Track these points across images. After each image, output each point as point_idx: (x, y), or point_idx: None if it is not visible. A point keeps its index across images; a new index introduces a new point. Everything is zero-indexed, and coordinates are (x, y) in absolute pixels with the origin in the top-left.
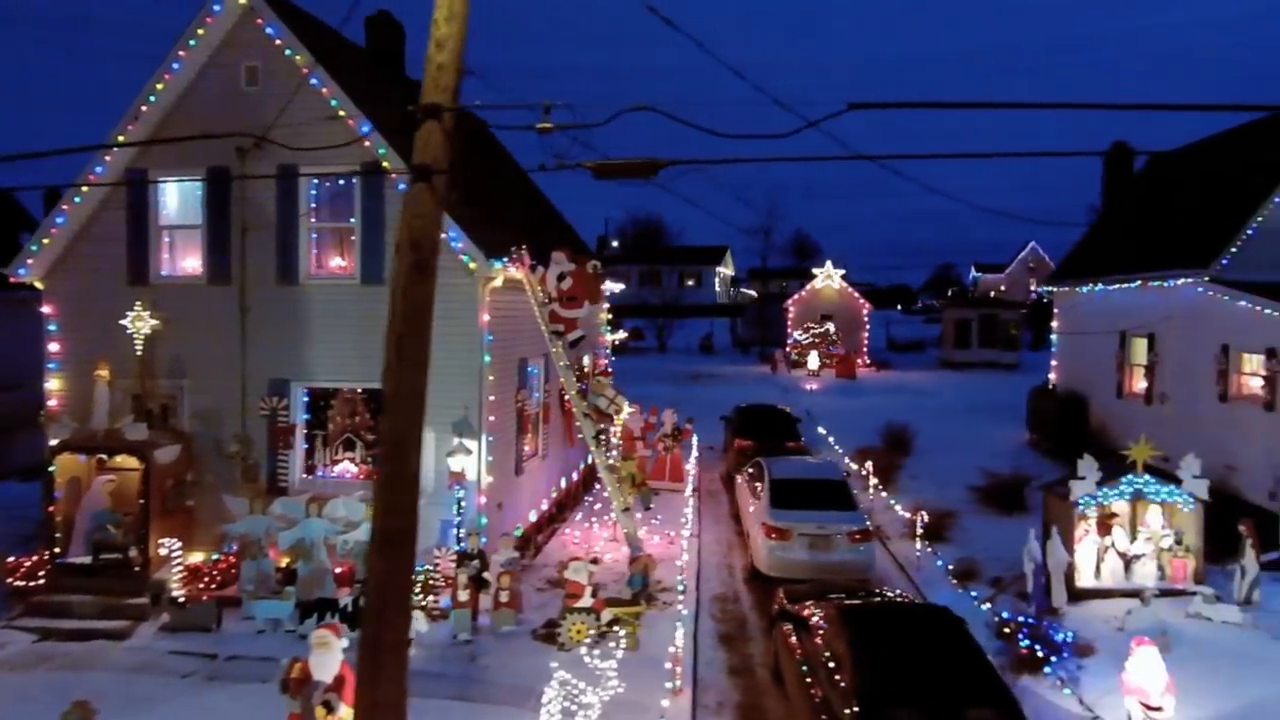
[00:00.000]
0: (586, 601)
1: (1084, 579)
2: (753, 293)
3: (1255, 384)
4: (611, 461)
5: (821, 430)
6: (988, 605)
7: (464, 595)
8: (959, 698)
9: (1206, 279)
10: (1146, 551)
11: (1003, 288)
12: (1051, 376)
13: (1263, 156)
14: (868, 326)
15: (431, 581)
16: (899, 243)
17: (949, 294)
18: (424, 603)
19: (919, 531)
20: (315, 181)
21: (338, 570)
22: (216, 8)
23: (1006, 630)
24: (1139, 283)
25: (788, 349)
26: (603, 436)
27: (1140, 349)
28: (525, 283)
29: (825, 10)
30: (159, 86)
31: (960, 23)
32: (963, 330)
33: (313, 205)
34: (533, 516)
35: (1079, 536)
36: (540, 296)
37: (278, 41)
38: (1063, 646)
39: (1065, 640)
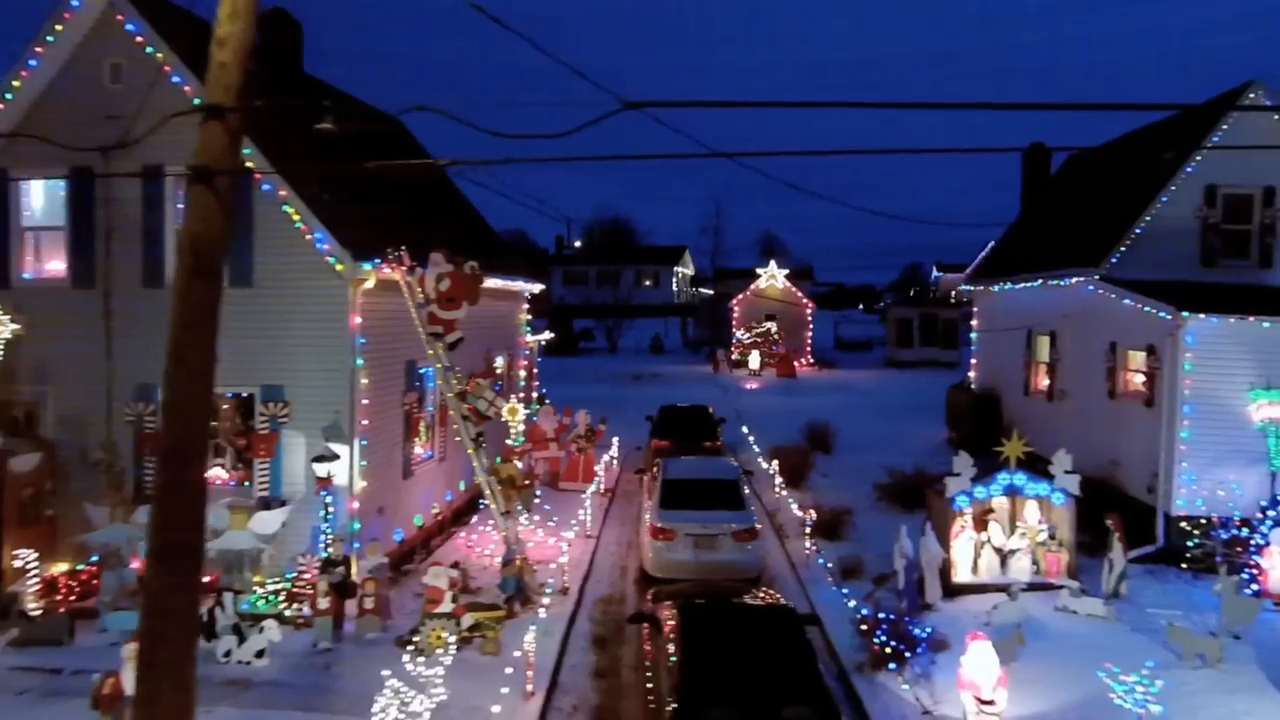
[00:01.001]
0: (447, 607)
1: (961, 574)
2: (711, 292)
3: (1138, 381)
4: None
5: (745, 429)
6: (854, 603)
7: (325, 603)
8: (778, 697)
9: (1097, 277)
10: (1021, 546)
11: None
12: (971, 374)
13: (1159, 156)
14: (811, 326)
15: (297, 590)
16: (877, 243)
17: (910, 293)
18: (288, 611)
19: (807, 530)
20: (179, 181)
21: (205, 579)
22: (75, 3)
23: (864, 627)
24: (1040, 282)
25: (731, 349)
26: (482, 438)
27: (1044, 347)
28: (402, 284)
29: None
30: (15, 84)
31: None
32: (905, 329)
33: (179, 206)
34: (418, 521)
35: (955, 532)
36: (420, 298)
37: (139, 39)
38: (920, 642)
39: (923, 636)
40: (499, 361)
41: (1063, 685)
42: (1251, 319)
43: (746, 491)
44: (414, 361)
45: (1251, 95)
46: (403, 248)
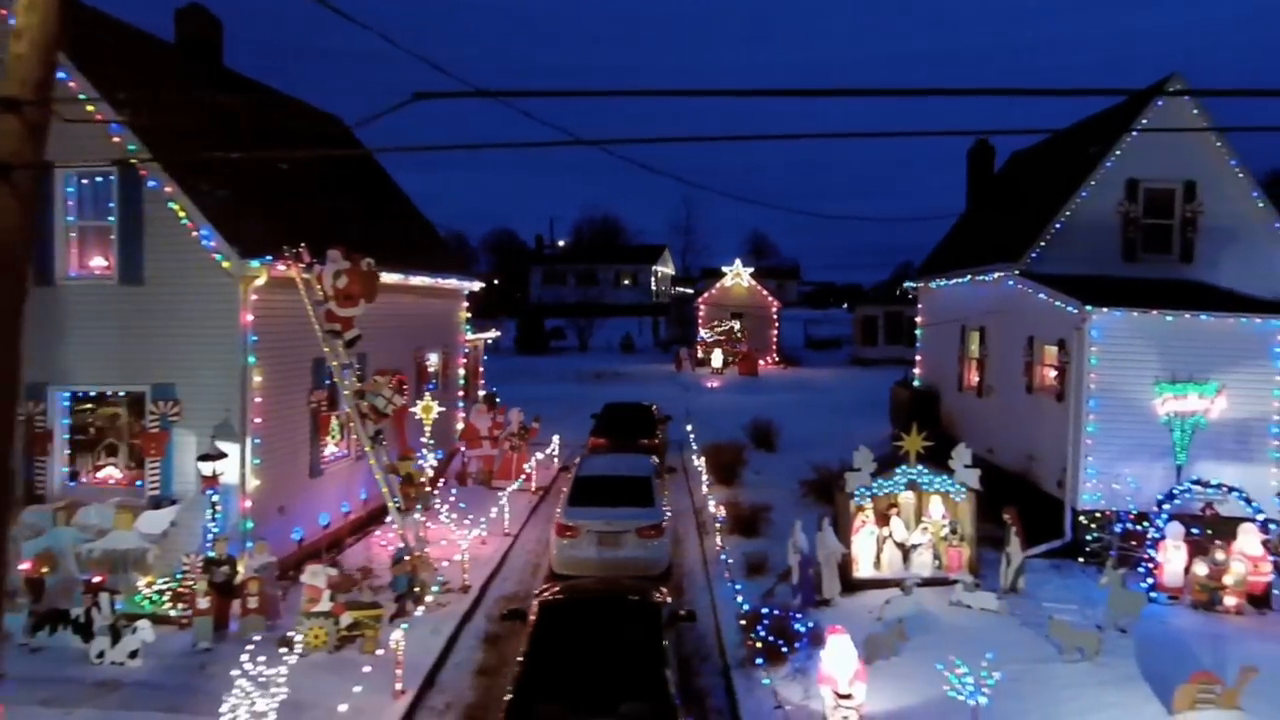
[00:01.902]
0: (325, 605)
1: (862, 570)
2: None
3: (1051, 375)
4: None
5: (689, 427)
6: (741, 598)
7: (205, 603)
8: (615, 692)
9: (1017, 272)
10: (923, 541)
11: None
12: (916, 371)
13: (1085, 151)
14: (777, 324)
15: (183, 589)
16: (872, 242)
17: (896, 292)
18: (173, 611)
19: (718, 526)
20: (73, 177)
21: (96, 579)
22: None
23: (743, 623)
24: (969, 278)
25: (695, 347)
26: (381, 436)
27: (974, 343)
28: (298, 282)
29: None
30: None
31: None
32: (870, 328)
33: (70, 202)
34: (324, 520)
35: (856, 527)
36: (318, 295)
37: None
38: (801, 638)
39: (804, 632)
40: (432, 359)
41: (939, 679)
42: (1155, 313)
43: (660, 489)
44: (323, 359)
45: (1171, 90)
46: (302, 245)
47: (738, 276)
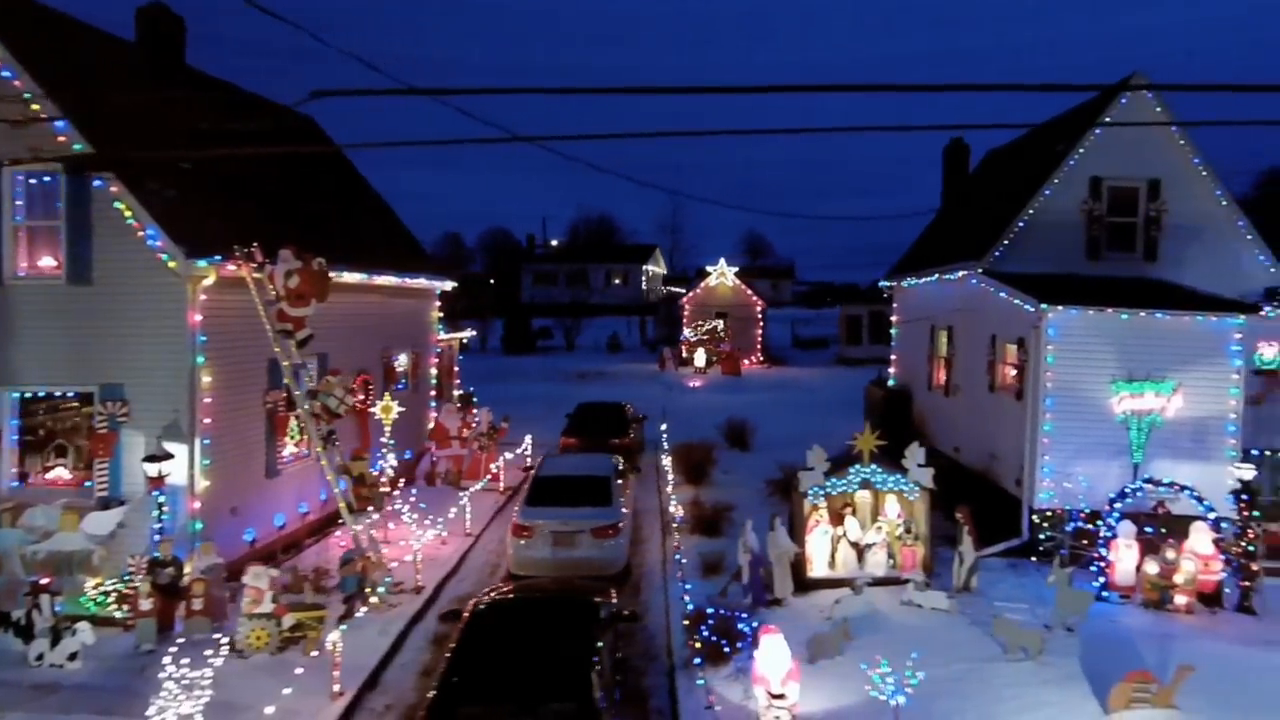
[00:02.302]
0: (267, 607)
1: (816, 569)
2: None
3: (1011, 374)
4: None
5: (663, 427)
6: (687, 598)
7: (148, 604)
8: (537, 693)
9: (980, 271)
10: (877, 540)
11: None
12: (891, 370)
13: (1053, 149)
14: (761, 323)
15: (129, 591)
16: (872, 242)
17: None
18: (118, 613)
19: (675, 526)
20: (20, 177)
21: (42, 581)
22: None
23: (686, 622)
24: (936, 276)
25: (679, 346)
26: (334, 436)
27: (943, 342)
28: (249, 281)
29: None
30: None
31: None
32: (855, 327)
33: (18, 201)
34: (279, 521)
35: (810, 526)
36: (270, 295)
37: None
38: (745, 637)
39: (748, 631)
40: (401, 359)
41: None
42: (1110, 311)
43: (619, 488)
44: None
45: (1134, 85)
46: (255, 244)
47: (722, 276)
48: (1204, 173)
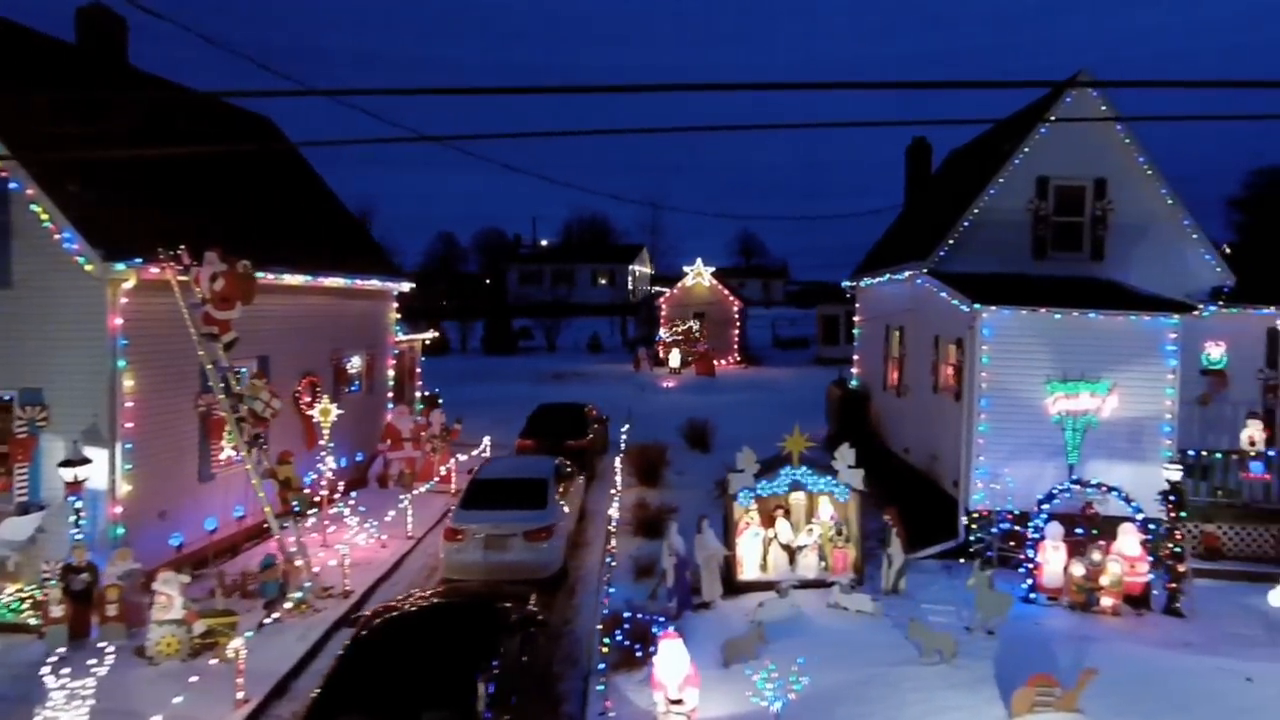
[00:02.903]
0: (177, 613)
1: (747, 572)
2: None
3: (950, 374)
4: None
5: (625, 428)
6: (607, 602)
7: (59, 610)
8: (418, 701)
9: (925, 271)
10: (809, 543)
11: None
12: (854, 370)
13: (1001, 148)
14: (738, 323)
15: (42, 597)
16: (868, 241)
17: None
18: (33, 619)
19: (610, 529)
20: None
21: None
22: None
23: (599, 628)
24: (886, 277)
25: (655, 347)
26: (261, 440)
27: (895, 342)
28: (173, 284)
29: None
30: None
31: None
32: (831, 326)
33: None
34: (210, 525)
35: (740, 529)
36: (196, 297)
37: None
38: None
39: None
40: (354, 361)
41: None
42: (1043, 311)
43: (559, 491)
44: (215, 362)
45: (1076, 89)
46: (182, 247)
47: (699, 276)
48: (1149, 171)
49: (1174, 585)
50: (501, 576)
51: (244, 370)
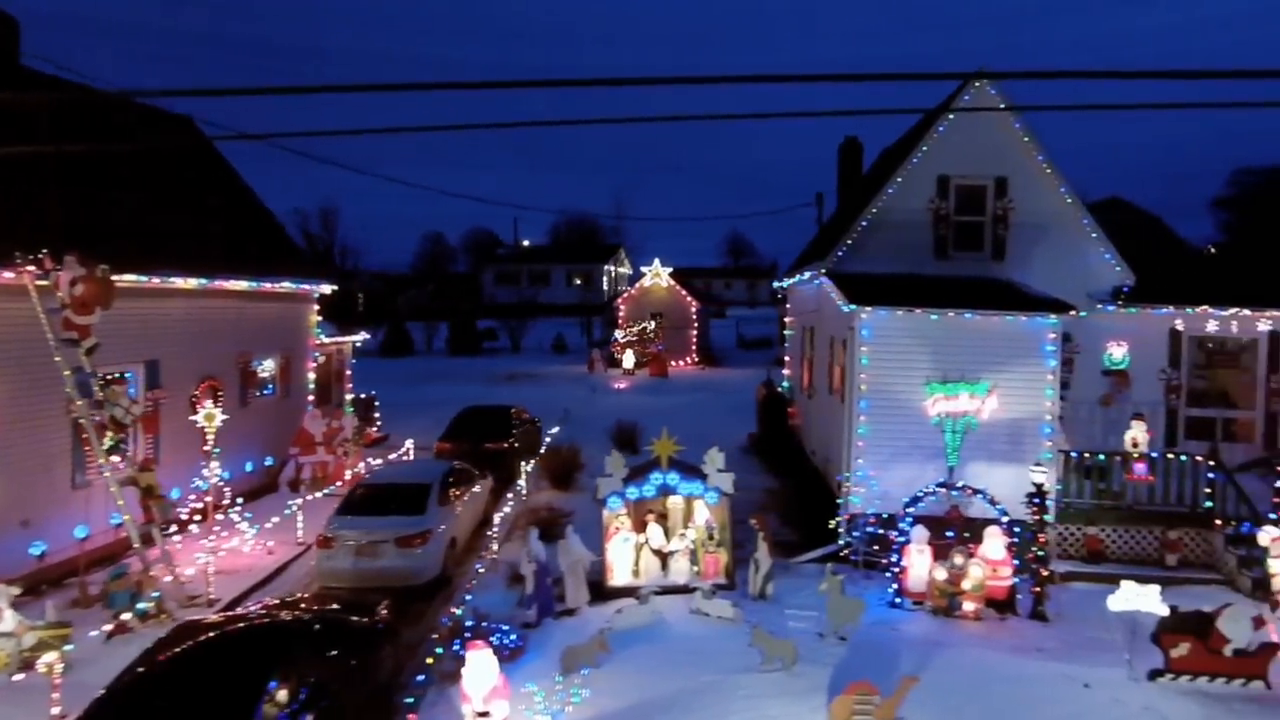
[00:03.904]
0: (8, 625)
1: (618, 577)
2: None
3: (840, 375)
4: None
5: (554, 430)
6: (458, 610)
7: None
8: None
9: (823, 271)
10: (680, 548)
11: None
12: (785, 371)
13: (911, 147)
14: (696, 324)
15: None
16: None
17: None
18: None
19: (491, 533)
20: None
21: None
22: None
23: (434, 636)
24: (800, 277)
25: (610, 348)
26: (122, 445)
27: (809, 343)
28: (30, 289)
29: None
30: None
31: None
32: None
33: None
34: (80, 533)
35: (610, 534)
36: (56, 302)
37: None
38: (502, 650)
39: (511, 644)
40: (266, 364)
41: (629, 691)
42: (919, 311)
43: (442, 496)
44: (80, 367)
45: (977, 84)
46: (44, 251)
47: (657, 277)
48: (1048, 170)
49: (1038, 589)
50: (373, 584)
51: (130, 374)
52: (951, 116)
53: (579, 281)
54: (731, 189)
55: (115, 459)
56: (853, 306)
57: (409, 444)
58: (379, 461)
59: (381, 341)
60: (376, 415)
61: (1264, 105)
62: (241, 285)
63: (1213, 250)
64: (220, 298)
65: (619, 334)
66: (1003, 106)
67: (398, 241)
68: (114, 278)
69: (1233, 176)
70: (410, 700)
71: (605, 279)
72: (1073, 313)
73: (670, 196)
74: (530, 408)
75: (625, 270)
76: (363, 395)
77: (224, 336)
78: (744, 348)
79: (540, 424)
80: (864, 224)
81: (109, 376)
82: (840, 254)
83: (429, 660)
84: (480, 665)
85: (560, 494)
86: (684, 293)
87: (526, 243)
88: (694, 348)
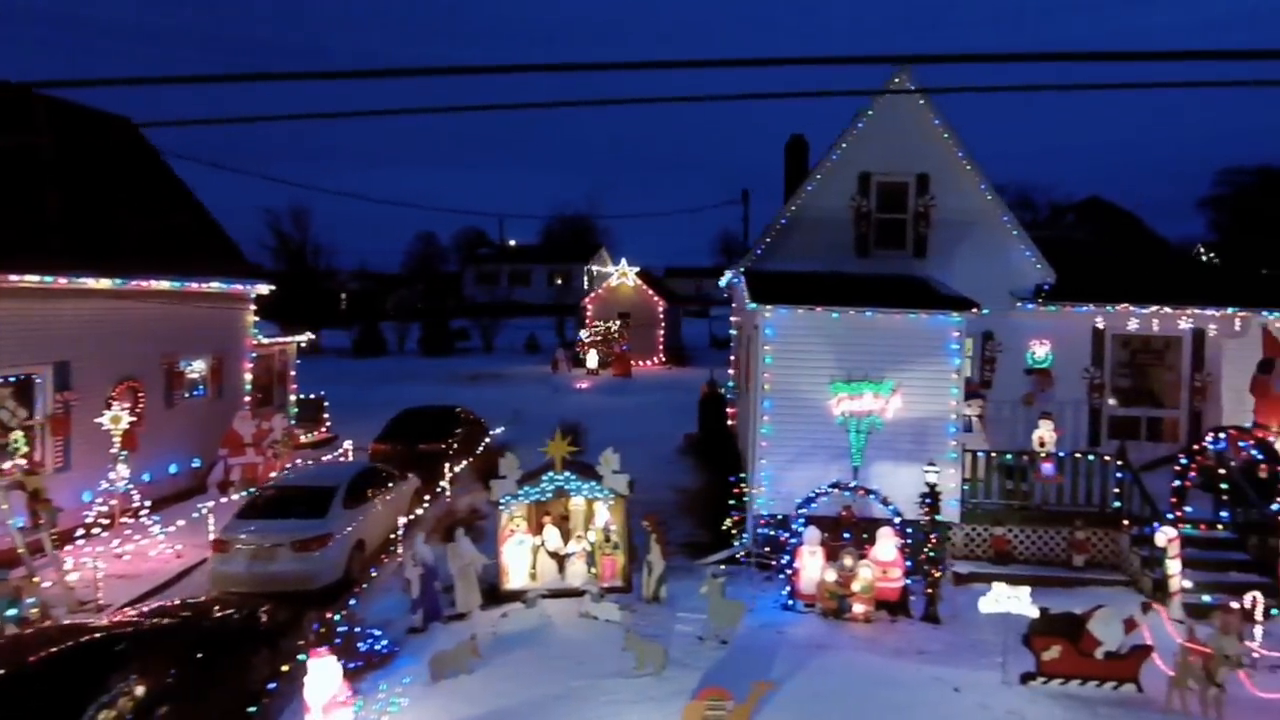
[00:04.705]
0: None
1: (514, 580)
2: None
3: (751, 375)
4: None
5: (497, 430)
6: (341, 614)
7: None
8: None
9: (742, 270)
10: (576, 550)
11: None
12: (731, 371)
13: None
14: (663, 324)
15: None
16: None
17: None
18: None
19: (394, 535)
20: None
21: None
22: None
23: (302, 642)
24: (727, 276)
25: (575, 348)
26: (15, 449)
27: (742, 344)
28: None
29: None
30: None
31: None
32: None
33: None
34: None
35: (505, 536)
36: None
37: None
38: (371, 656)
39: (381, 650)
40: (196, 365)
41: (489, 697)
42: (819, 309)
43: (349, 499)
44: None
45: (896, 80)
46: None
47: (624, 276)
48: (968, 167)
49: (930, 590)
50: (268, 588)
51: (39, 379)
52: (871, 113)
53: (560, 281)
54: (716, 186)
55: (6, 464)
56: (754, 305)
57: (347, 445)
58: (311, 462)
59: (354, 341)
60: (325, 416)
61: (1202, 85)
62: (164, 285)
63: (1201, 249)
64: (142, 298)
65: (584, 334)
66: (912, 88)
67: (391, 241)
68: (14, 277)
69: (1219, 176)
70: (253, 709)
71: (586, 278)
72: (974, 310)
73: (659, 194)
74: (487, 408)
75: (608, 269)
76: (311, 396)
77: (146, 337)
78: (716, 347)
79: (486, 425)
80: (783, 222)
81: None
82: (759, 252)
83: (284, 668)
84: (322, 673)
85: (486, 495)
86: (651, 292)
87: (513, 242)
88: (661, 347)
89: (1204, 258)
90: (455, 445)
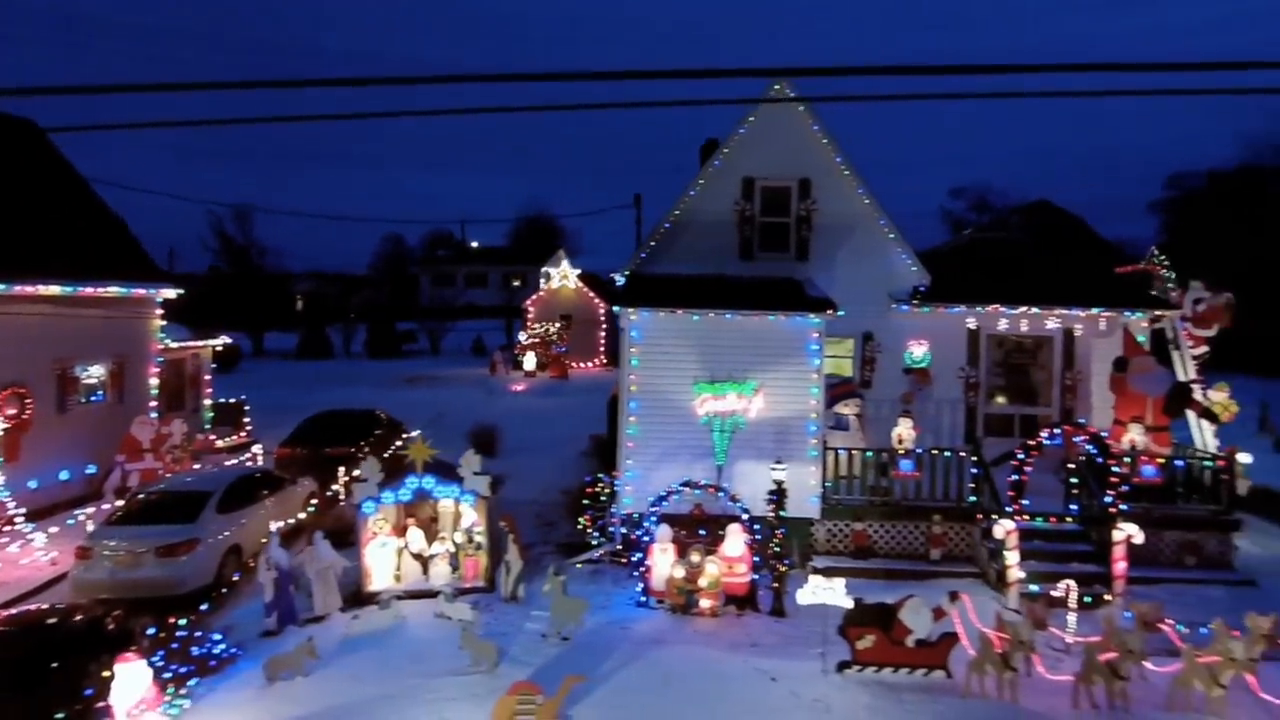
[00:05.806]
0: None
1: (378, 582)
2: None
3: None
4: None
5: (412, 434)
6: (185, 620)
7: None
8: None
9: (625, 273)
10: (440, 551)
11: None
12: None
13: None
14: (604, 325)
15: None
16: None
17: None
18: None
19: (263, 539)
20: None
21: None
22: None
23: (135, 648)
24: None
25: (515, 349)
26: None
27: None
28: None
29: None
30: None
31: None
32: None
33: None
34: None
35: (367, 539)
36: None
37: None
38: (204, 661)
39: (220, 656)
40: (93, 370)
41: (317, 697)
42: (680, 312)
43: (224, 504)
44: None
45: (776, 86)
46: None
47: (565, 278)
48: (846, 172)
49: (776, 585)
50: (131, 594)
51: None
52: (753, 119)
53: (517, 283)
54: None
55: None
56: (618, 308)
57: (257, 449)
58: (214, 467)
59: (297, 344)
60: (246, 420)
61: (1115, 94)
62: (54, 290)
63: (1155, 250)
64: (29, 302)
65: (522, 336)
66: (791, 95)
67: (360, 242)
68: None
69: (1168, 180)
70: (68, 713)
71: (542, 280)
72: (831, 311)
73: (616, 195)
74: (412, 411)
75: (567, 271)
76: (230, 400)
77: (35, 341)
78: None
79: (404, 428)
80: (667, 225)
81: None
82: (643, 256)
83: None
84: (130, 677)
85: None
86: (592, 294)
87: (475, 244)
88: (602, 349)
89: (1156, 259)
90: (366, 449)
